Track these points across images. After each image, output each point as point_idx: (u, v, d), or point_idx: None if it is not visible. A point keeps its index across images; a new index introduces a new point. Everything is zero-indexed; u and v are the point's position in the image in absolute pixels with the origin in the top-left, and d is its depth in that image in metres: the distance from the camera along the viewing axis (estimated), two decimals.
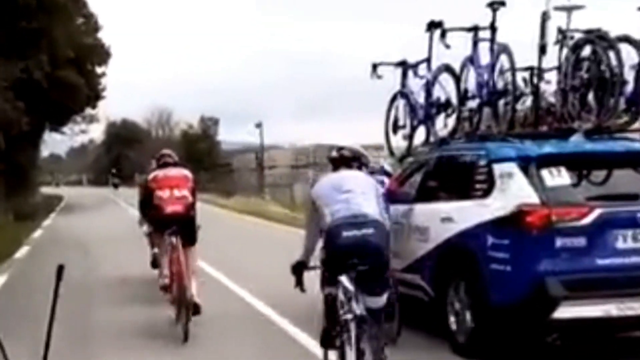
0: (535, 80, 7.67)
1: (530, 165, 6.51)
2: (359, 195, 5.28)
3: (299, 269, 5.48)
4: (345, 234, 5.08)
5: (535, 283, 6.17)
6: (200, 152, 56.46)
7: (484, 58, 7.43)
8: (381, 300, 5.27)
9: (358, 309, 4.95)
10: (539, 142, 6.91)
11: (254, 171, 44.68)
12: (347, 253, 5.07)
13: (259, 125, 41.36)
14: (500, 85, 7.24)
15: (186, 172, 8.50)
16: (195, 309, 7.65)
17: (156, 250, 9.30)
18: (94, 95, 38.09)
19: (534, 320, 6.25)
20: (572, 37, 7.40)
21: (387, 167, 8.90)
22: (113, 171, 60.86)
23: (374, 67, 8.69)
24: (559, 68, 7.49)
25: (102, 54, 37.86)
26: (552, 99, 7.74)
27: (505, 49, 7.13)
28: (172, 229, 8.05)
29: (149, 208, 8.64)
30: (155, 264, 9.83)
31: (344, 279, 5.04)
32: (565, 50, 7.40)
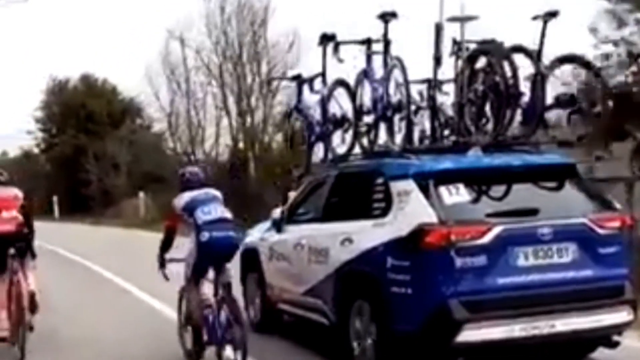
0: (431, 93, 7.49)
1: (427, 182, 6.26)
2: None
3: None
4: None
5: (437, 306, 5.92)
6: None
7: (379, 72, 7.16)
8: None
9: None
10: (436, 157, 6.69)
11: None
12: None
13: None
14: (395, 99, 6.98)
15: (16, 192, 8.60)
16: (32, 304, 7.89)
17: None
18: None
19: (437, 345, 5.99)
20: (467, 49, 7.24)
21: None
22: None
23: (269, 82, 8.40)
24: (455, 80, 7.31)
25: None
26: (450, 112, 7.57)
27: (398, 62, 6.88)
28: (10, 253, 8.09)
29: None
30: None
31: None
32: (460, 62, 7.23)
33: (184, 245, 7.09)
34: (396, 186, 6.44)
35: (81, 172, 39.46)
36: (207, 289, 7.02)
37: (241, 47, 29.48)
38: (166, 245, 7.23)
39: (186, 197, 7.02)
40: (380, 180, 6.69)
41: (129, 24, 62.47)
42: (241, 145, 29.29)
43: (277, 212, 8.50)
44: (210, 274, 6.99)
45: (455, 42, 7.42)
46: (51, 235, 24.53)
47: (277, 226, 8.39)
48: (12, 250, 8.10)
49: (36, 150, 49.06)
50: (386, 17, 6.94)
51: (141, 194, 33.61)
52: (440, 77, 7.39)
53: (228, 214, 6.97)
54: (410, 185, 6.31)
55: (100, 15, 66.25)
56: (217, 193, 7.15)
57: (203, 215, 6.83)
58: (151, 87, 33.79)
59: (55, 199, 40.68)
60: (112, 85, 45.42)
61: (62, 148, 43.65)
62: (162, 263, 7.24)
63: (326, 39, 7.63)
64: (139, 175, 35.83)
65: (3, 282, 8.20)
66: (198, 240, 6.80)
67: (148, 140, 39.05)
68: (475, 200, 6.26)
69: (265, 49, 28.99)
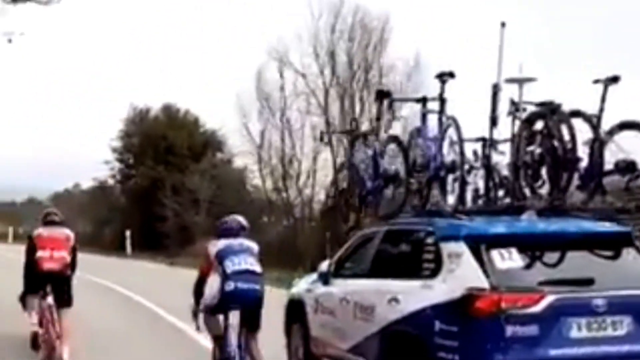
0: (486, 152, 7.40)
1: (479, 245, 6.13)
2: None
3: None
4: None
5: None
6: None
7: (433, 130, 7.10)
8: None
9: None
10: (489, 220, 6.56)
11: None
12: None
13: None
14: (449, 158, 6.91)
15: (68, 232, 9.25)
16: None
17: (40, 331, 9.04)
18: None
19: None
20: (524, 109, 7.15)
21: None
22: None
23: (322, 134, 8.40)
24: (512, 140, 7.22)
25: None
26: (505, 172, 7.47)
27: (453, 121, 6.82)
28: (47, 289, 8.76)
29: (28, 263, 9.19)
30: (35, 344, 9.30)
31: None
32: (517, 123, 7.14)
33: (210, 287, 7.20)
34: (447, 247, 6.32)
35: (157, 207, 36.14)
36: (233, 339, 7.04)
37: (353, 71, 26.33)
38: (198, 292, 7.31)
39: (220, 244, 7.19)
40: (430, 241, 6.58)
41: (217, 52, 61.15)
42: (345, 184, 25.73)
43: (324, 265, 8.43)
44: (235, 320, 7.02)
45: (512, 102, 7.35)
46: (121, 274, 22.53)
47: (324, 279, 8.30)
48: (49, 298, 8.73)
49: (111, 182, 45.17)
50: (443, 77, 6.92)
51: None
52: (496, 136, 7.32)
53: (257, 267, 7.11)
54: (461, 247, 6.20)
55: (188, 43, 65.83)
56: (252, 245, 7.28)
57: (232, 265, 6.97)
58: (241, 116, 30.21)
59: (128, 233, 37.32)
60: (194, 116, 42.54)
61: (139, 180, 40.55)
62: (196, 312, 7.32)
63: (382, 95, 7.64)
64: (221, 213, 32.48)
65: (37, 316, 8.91)
66: (223, 289, 6.94)
67: (231, 175, 36.63)
68: (528, 267, 6.11)
69: (380, 74, 25.77)
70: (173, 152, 40.01)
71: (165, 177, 37.45)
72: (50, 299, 8.80)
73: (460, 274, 6.08)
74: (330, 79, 26.79)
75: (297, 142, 28.55)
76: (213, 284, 7.15)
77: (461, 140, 6.72)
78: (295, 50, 27.51)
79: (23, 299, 9.47)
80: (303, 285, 8.91)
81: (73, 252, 9.13)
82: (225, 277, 6.98)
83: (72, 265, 9.18)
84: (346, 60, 26.64)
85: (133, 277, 22.17)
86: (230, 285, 6.93)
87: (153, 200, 36.86)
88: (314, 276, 8.65)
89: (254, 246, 7.30)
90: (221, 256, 7.08)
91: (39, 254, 8.96)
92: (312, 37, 27.01)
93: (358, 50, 26.82)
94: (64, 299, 8.92)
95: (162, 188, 36.38)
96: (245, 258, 7.08)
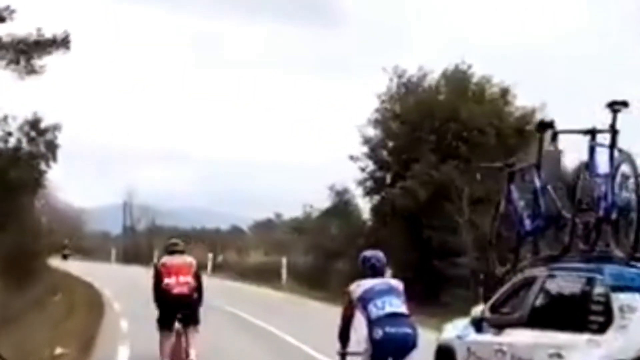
0: None
1: None
2: None
3: None
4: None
5: None
6: None
7: (603, 165, 6.35)
8: None
9: None
10: None
11: None
12: None
13: None
14: (621, 199, 6.13)
15: (190, 260, 10.17)
16: None
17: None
18: None
19: None
20: None
21: None
22: (66, 242, 54.82)
23: (476, 170, 7.80)
24: None
25: None
26: None
27: (627, 157, 6.06)
28: (177, 316, 9.80)
29: (157, 291, 10.06)
30: None
31: None
32: None
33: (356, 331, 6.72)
34: (618, 299, 5.68)
35: (439, 230, 21.31)
36: None
37: None
38: (344, 336, 6.85)
39: (364, 285, 6.70)
40: (599, 290, 5.94)
41: None
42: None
43: (477, 310, 7.82)
44: None
45: None
46: None
47: (477, 325, 7.69)
48: (179, 316, 9.75)
49: (358, 191, 27.29)
50: (615, 106, 6.18)
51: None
52: None
53: (403, 309, 6.59)
54: (636, 300, 5.56)
55: None
56: (397, 284, 6.78)
57: (376, 310, 6.49)
58: None
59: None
60: (501, 86, 24.93)
61: (410, 185, 23.45)
62: (344, 355, 6.89)
63: (543, 126, 6.98)
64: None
65: (170, 338, 9.86)
66: (371, 337, 6.44)
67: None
68: None
69: None
70: (467, 140, 23.92)
71: (458, 181, 21.55)
72: (178, 325, 9.87)
73: (635, 331, 5.46)
74: None
75: None
76: (358, 327, 6.71)
77: (637, 177, 5.94)
78: None
79: (159, 322, 10.19)
80: (454, 331, 8.33)
81: (197, 278, 10.06)
82: (371, 324, 6.48)
83: (199, 290, 10.06)
84: None
85: None
86: (378, 333, 6.41)
87: (432, 219, 22.12)
88: (465, 321, 8.05)
89: (399, 285, 6.79)
90: (365, 300, 6.58)
91: (166, 281, 9.86)
92: None
93: None
94: (192, 320, 9.96)
95: (455, 200, 21.39)
96: (390, 300, 6.56)
